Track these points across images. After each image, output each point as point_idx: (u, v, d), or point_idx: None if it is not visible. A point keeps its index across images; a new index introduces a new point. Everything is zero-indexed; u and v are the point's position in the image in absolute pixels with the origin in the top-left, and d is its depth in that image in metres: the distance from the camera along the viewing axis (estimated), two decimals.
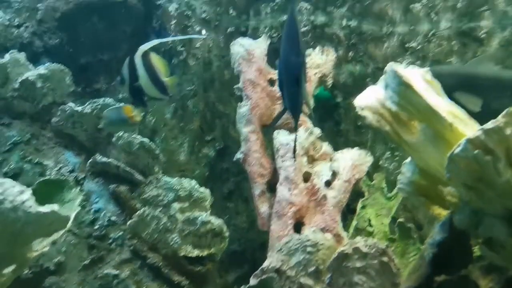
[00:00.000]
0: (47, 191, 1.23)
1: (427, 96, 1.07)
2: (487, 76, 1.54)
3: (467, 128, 1.05)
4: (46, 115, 1.96)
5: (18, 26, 2.04)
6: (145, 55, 1.74)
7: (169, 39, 1.89)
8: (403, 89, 1.07)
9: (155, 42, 1.79)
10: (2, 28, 2.01)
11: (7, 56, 1.86)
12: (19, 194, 1.02)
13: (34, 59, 2.03)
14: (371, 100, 1.14)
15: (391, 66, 1.10)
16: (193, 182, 1.92)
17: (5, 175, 1.82)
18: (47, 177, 1.50)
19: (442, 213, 1.21)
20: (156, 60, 1.76)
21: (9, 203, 1.00)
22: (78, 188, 1.35)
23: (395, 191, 1.93)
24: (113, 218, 1.85)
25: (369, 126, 1.16)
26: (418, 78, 1.10)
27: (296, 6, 1.42)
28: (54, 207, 1.05)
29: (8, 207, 1.00)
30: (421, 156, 1.13)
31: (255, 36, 2.12)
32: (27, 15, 2.04)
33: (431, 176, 1.15)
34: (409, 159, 1.22)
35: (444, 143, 1.07)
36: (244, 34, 2.20)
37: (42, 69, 1.90)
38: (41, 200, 1.10)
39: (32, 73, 1.87)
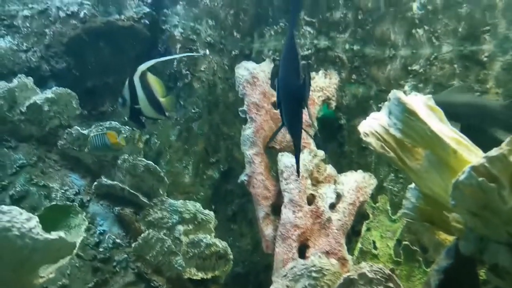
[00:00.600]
0: (54, 216, 1.24)
1: (431, 122, 1.08)
2: (462, 103, 1.74)
3: (471, 155, 1.05)
4: (52, 138, 1.98)
5: (26, 51, 2.07)
6: (142, 76, 1.78)
7: (166, 58, 1.92)
8: (407, 116, 1.09)
9: (152, 62, 1.82)
10: (11, 52, 2.05)
11: (15, 81, 1.89)
12: (27, 221, 1.02)
13: (41, 83, 2.06)
14: (375, 126, 1.16)
15: (394, 93, 1.11)
16: (198, 204, 1.92)
17: (11, 198, 1.83)
18: (53, 203, 1.51)
19: (448, 238, 1.21)
20: (153, 80, 1.80)
21: (16, 230, 1.01)
22: (84, 214, 1.36)
23: (399, 213, 1.93)
24: (117, 240, 1.85)
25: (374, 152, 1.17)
26: (421, 105, 1.12)
27: (295, 28, 1.44)
28: (61, 233, 1.05)
29: (16, 234, 1.00)
30: (425, 182, 1.14)
31: (259, 58, 2.15)
32: (35, 40, 2.08)
33: (435, 202, 1.16)
34: (413, 184, 1.22)
35: (448, 170, 1.07)
36: (248, 56, 2.24)
37: (49, 93, 1.92)
38: (47, 226, 1.11)
39: (40, 97, 1.90)
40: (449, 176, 1.05)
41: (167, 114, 1.85)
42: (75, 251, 1.11)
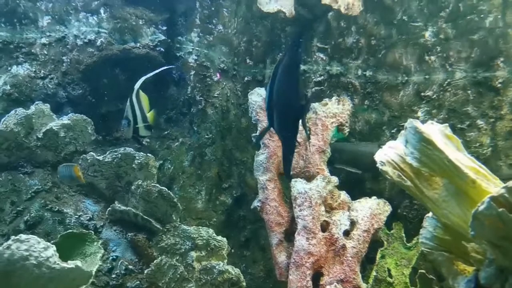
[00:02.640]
0: (70, 243, 1.24)
1: (448, 152, 1.08)
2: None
3: (490, 185, 1.05)
4: None
5: (43, 78, 2.11)
6: (137, 94, 1.83)
7: (153, 73, 1.93)
8: (424, 145, 1.08)
9: (143, 78, 1.85)
10: (28, 79, 2.09)
11: (32, 107, 1.92)
12: (44, 250, 1.03)
13: (58, 109, 2.09)
14: (391, 155, 1.15)
15: (411, 122, 1.11)
16: (211, 230, 1.91)
17: (26, 223, 1.84)
18: (70, 231, 1.51)
19: (466, 269, 1.19)
20: (143, 98, 1.86)
21: (34, 259, 1.01)
22: (100, 241, 1.36)
23: (415, 240, 1.90)
24: (130, 266, 1.84)
25: (390, 181, 1.16)
26: (438, 133, 1.12)
27: (301, 45, 1.45)
28: (78, 262, 1.05)
29: (33, 263, 1.01)
30: (443, 211, 1.13)
31: None
32: (52, 67, 2.11)
33: (454, 231, 1.14)
34: (430, 213, 1.21)
35: (467, 200, 1.06)
36: (260, 82, 2.26)
37: (65, 119, 1.95)
38: (63, 253, 1.11)
39: (56, 123, 1.92)
40: (468, 206, 1.04)
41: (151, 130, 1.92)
42: (90, 280, 1.11)
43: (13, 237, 1.27)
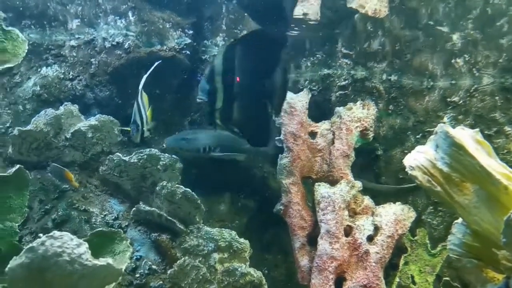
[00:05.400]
0: (99, 242, 1.26)
1: (480, 157, 1.07)
2: None
3: None
4: (94, 164, 2.03)
5: (72, 79, 2.15)
6: (141, 96, 1.87)
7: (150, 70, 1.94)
8: (455, 150, 1.08)
9: (144, 79, 1.87)
10: (57, 81, 2.13)
11: (61, 108, 1.96)
12: (77, 247, 1.05)
13: (85, 110, 2.13)
14: (421, 160, 1.15)
15: (441, 127, 1.10)
16: (233, 232, 1.92)
17: (53, 221, 1.88)
18: (100, 229, 1.54)
19: (496, 276, 1.17)
20: (145, 98, 1.89)
21: (67, 256, 1.03)
22: (128, 240, 1.38)
23: (439, 247, 1.89)
24: (153, 266, 1.86)
25: (419, 186, 1.15)
26: (469, 139, 1.11)
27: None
28: (109, 260, 1.07)
29: (66, 259, 1.03)
30: (474, 218, 1.12)
31: (295, 88, 2.17)
32: (80, 69, 2.16)
33: (484, 238, 1.13)
34: (460, 219, 1.20)
35: (499, 206, 1.05)
36: None
37: (93, 120, 1.99)
38: (93, 251, 1.13)
39: (84, 124, 1.96)
40: (500, 213, 1.03)
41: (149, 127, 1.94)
42: (120, 278, 1.12)
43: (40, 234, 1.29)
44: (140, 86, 1.87)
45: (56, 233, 1.04)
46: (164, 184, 1.90)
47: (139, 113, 1.87)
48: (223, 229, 1.94)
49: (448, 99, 2.02)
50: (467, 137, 1.11)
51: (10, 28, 1.69)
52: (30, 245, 1.03)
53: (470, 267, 1.19)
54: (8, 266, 1.05)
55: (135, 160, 1.92)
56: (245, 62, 1.31)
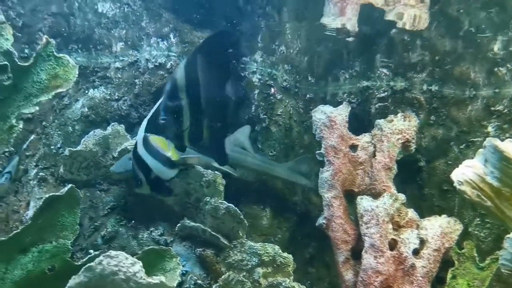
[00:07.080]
0: (151, 259, 1.30)
1: None
2: None
3: None
4: None
5: (118, 100, 2.24)
6: (145, 142, 1.65)
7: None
8: (505, 164, 1.06)
9: (144, 124, 1.66)
10: (104, 102, 2.23)
11: (109, 128, 2.04)
12: (132, 266, 1.09)
13: (130, 129, 2.20)
14: (469, 174, 1.13)
15: (490, 140, 1.09)
16: (276, 247, 1.93)
17: (103, 238, 1.95)
18: (151, 247, 1.58)
19: None
20: (156, 141, 1.64)
21: (122, 274, 1.07)
22: (178, 258, 1.42)
23: (488, 260, 1.84)
24: (199, 281, 1.89)
25: (469, 201, 1.14)
26: None
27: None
28: (162, 278, 1.11)
29: (122, 278, 1.07)
30: None
31: (333, 101, 2.18)
32: (125, 90, 2.24)
33: None
34: (511, 234, 1.17)
35: None
36: (322, 100, 2.27)
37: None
38: (145, 268, 1.17)
39: (130, 143, 2.03)
40: None
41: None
42: None
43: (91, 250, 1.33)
44: (139, 137, 1.65)
45: (112, 252, 1.08)
46: (208, 199, 1.94)
47: (138, 165, 1.66)
48: (266, 243, 1.95)
49: (492, 108, 1.98)
50: None
51: (61, 54, 1.77)
52: (88, 264, 1.08)
53: None
54: (68, 285, 1.10)
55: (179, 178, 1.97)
56: (208, 72, 1.20)
